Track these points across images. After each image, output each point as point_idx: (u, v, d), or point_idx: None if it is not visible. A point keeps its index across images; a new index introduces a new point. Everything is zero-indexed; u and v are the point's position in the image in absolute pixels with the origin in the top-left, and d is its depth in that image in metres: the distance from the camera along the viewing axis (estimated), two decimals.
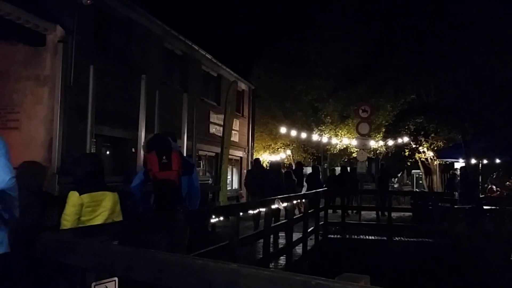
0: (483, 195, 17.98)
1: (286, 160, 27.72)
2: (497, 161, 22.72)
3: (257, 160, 14.87)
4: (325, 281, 1.57)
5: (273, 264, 7.68)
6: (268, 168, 14.44)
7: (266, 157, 26.39)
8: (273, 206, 7.18)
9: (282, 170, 13.24)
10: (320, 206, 11.40)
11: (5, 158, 3.13)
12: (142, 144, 6.10)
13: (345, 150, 22.84)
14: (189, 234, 5.45)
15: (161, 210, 5.39)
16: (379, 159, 22.43)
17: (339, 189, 16.55)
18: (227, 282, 1.73)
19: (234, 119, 16.81)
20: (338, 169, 21.38)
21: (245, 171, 19.19)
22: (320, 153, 25.62)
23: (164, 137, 5.89)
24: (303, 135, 21.44)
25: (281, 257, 8.31)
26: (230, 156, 14.48)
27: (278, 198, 7.98)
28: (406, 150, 23.02)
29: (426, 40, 19.04)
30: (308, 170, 19.13)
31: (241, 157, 20.91)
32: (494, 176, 21.74)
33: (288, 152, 26.54)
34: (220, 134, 15.06)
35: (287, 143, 25.54)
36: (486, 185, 20.20)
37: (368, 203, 17.83)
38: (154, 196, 5.66)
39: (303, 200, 10.20)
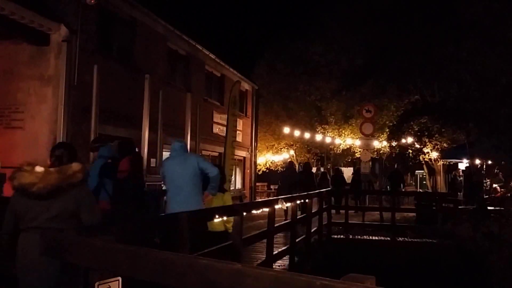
0: (487, 196, 17.91)
1: (289, 160, 27.73)
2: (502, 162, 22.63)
3: (291, 162, 16.36)
4: (330, 281, 1.56)
5: (276, 264, 7.66)
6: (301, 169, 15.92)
7: (270, 157, 26.40)
8: (277, 207, 7.17)
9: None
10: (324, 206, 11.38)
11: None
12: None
13: (349, 150, 22.82)
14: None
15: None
16: (382, 159, 22.41)
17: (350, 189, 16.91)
18: (231, 282, 1.72)
19: (238, 119, 16.82)
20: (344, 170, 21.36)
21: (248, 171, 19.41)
22: (323, 153, 25.59)
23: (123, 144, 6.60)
24: (307, 135, 21.43)
25: (284, 257, 8.29)
26: (234, 156, 14.47)
27: (282, 198, 7.97)
28: (410, 151, 22.98)
29: (430, 40, 18.99)
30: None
31: (244, 157, 20.90)
32: (499, 175, 21.65)
33: (292, 152, 26.53)
34: (223, 134, 15.06)
35: (291, 143, 25.53)
36: (485, 185, 20.12)
37: (372, 204, 17.85)
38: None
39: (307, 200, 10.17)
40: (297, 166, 27.30)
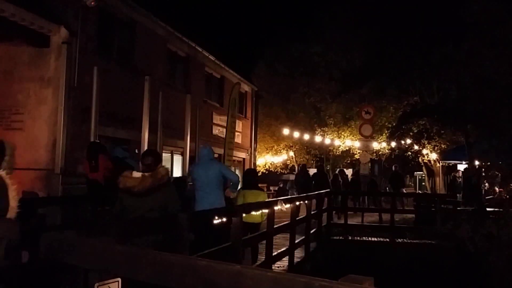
0: (487, 197, 17.92)
1: (288, 161, 27.71)
2: (500, 163, 22.63)
3: (304, 165, 17.73)
4: (329, 282, 1.58)
5: (275, 265, 7.66)
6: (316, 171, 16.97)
7: (269, 159, 26.39)
8: (276, 208, 7.18)
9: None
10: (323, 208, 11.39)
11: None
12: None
13: (348, 152, 22.82)
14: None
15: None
16: (381, 161, 22.43)
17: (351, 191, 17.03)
18: (231, 283, 1.73)
19: (237, 121, 16.83)
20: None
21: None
22: (323, 155, 25.59)
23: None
24: (306, 136, 21.43)
25: (284, 259, 8.30)
26: (233, 157, 14.52)
27: (281, 199, 7.98)
28: (409, 152, 22.99)
29: (429, 42, 19.03)
30: (311, 171, 19.47)
31: (244, 158, 20.89)
32: (498, 176, 21.68)
33: (291, 153, 26.52)
34: (223, 136, 15.07)
35: (290, 144, 25.52)
36: (483, 186, 20.11)
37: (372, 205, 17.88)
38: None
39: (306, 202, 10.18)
40: (296, 167, 27.36)
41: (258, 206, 7.00)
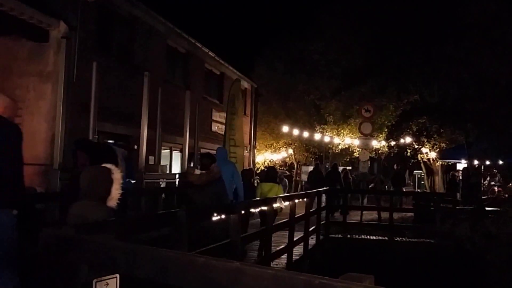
0: (485, 196, 17.94)
1: (288, 159, 27.70)
2: (500, 162, 22.67)
3: (317, 164, 20.35)
4: (329, 280, 1.56)
5: (273, 263, 7.65)
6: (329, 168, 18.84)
7: (268, 156, 26.37)
8: (275, 205, 7.16)
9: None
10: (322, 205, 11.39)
11: None
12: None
13: (347, 150, 22.81)
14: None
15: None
16: (381, 159, 22.43)
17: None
18: (230, 280, 1.71)
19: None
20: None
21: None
22: (322, 153, 25.57)
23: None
24: (305, 134, 21.41)
25: (282, 256, 8.29)
26: (232, 155, 14.48)
27: (280, 197, 7.96)
28: (409, 151, 22.99)
29: (429, 40, 19.00)
30: (310, 169, 19.73)
31: (243, 156, 20.88)
32: (497, 175, 21.75)
33: (290, 151, 26.51)
34: (223, 132, 15.03)
35: (289, 142, 25.49)
36: (485, 182, 20.18)
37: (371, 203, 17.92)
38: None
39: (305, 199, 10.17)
40: (295, 165, 27.35)
41: (257, 203, 6.99)
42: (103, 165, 3.54)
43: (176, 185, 10.16)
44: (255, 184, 10.37)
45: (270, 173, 9.94)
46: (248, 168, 16.30)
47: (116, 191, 3.39)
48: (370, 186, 18.26)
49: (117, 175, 3.45)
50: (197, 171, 6.62)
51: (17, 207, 3.71)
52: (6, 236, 3.57)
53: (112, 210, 3.39)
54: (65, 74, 8.90)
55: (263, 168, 26.30)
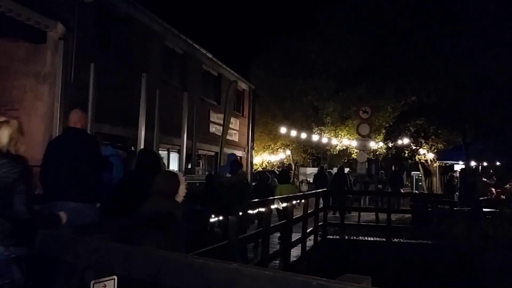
0: (483, 198, 17.96)
1: (285, 160, 27.72)
2: (497, 163, 22.71)
3: (322, 167, 20.23)
4: (326, 281, 1.56)
5: (271, 264, 7.65)
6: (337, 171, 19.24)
7: (266, 157, 26.39)
8: (273, 207, 7.17)
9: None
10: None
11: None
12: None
13: (345, 151, 22.83)
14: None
15: None
16: (378, 160, 22.46)
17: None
18: (227, 282, 1.71)
19: (234, 119, 16.81)
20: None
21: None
22: (319, 154, 25.59)
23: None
24: (303, 135, 21.42)
25: (279, 257, 8.29)
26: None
27: (278, 198, 7.97)
28: (406, 152, 23.01)
29: (427, 41, 19.02)
30: (308, 170, 19.82)
31: (240, 157, 20.88)
32: (492, 177, 21.77)
33: (288, 152, 26.52)
34: (220, 134, 15.05)
35: (287, 143, 25.51)
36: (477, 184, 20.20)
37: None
38: None
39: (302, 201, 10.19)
40: (293, 166, 27.38)
41: (254, 205, 7.00)
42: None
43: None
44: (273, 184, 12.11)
45: (285, 175, 11.48)
46: (263, 171, 17.53)
47: (182, 190, 4.19)
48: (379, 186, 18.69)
49: (182, 178, 4.35)
50: (228, 174, 8.53)
51: (99, 201, 4.82)
52: None
53: (180, 204, 4.25)
54: (62, 75, 8.88)
55: (260, 170, 26.34)
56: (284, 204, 8.11)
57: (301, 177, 26.35)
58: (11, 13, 7.79)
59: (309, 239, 10.12)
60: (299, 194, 10.42)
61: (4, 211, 3.24)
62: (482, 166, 22.23)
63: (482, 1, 16.71)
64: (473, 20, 16.88)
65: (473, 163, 21.15)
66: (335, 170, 21.48)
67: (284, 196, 8.95)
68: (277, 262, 8.09)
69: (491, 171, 22.03)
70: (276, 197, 8.70)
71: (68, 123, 5.09)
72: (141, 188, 4.39)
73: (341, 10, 22.11)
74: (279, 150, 26.32)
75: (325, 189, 14.07)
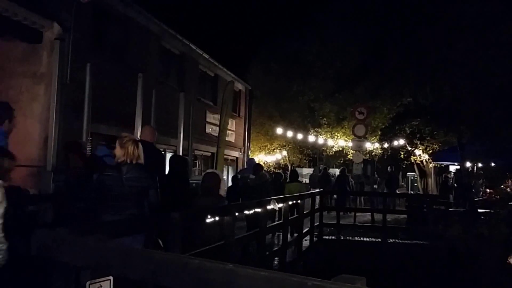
0: (478, 198, 18.03)
1: (282, 161, 27.71)
2: (492, 164, 22.80)
3: (326, 168, 21.72)
4: (321, 282, 1.57)
5: (266, 265, 7.66)
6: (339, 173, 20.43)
7: (262, 158, 26.38)
8: (269, 207, 7.17)
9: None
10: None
11: None
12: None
13: (341, 152, 22.86)
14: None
15: None
16: (374, 161, 22.50)
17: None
18: (223, 282, 1.72)
19: (230, 119, 16.81)
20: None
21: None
22: (316, 155, 25.61)
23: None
24: (299, 136, 21.43)
25: (275, 258, 8.30)
26: (225, 156, 14.52)
27: (274, 199, 7.98)
28: (402, 153, 23.06)
29: (423, 42, 19.06)
30: (304, 171, 20.00)
31: (237, 157, 20.89)
32: (482, 181, 21.96)
33: (284, 153, 26.52)
34: (217, 134, 15.04)
35: (283, 144, 25.50)
36: (472, 185, 20.28)
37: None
38: None
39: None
40: (289, 166, 27.38)
41: (251, 205, 7.00)
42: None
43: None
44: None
45: (294, 174, 12.39)
46: (278, 171, 18.80)
47: (223, 187, 5.15)
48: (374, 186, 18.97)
49: (221, 175, 5.34)
50: (252, 176, 9.79)
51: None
52: None
53: (224, 198, 5.14)
54: (58, 75, 8.87)
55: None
56: (281, 205, 8.12)
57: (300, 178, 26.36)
58: (7, 13, 7.78)
59: (305, 240, 10.13)
60: (296, 194, 10.39)
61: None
62: (478, 167, 22.31)
63: (478, 2, 16.76)
64: (470, 22, 16.93)
65: (468, 164, 21.23)
66: (331, 171, 21.66)
67: (281, 196, 8.97)
68: (273, 262, 8.10)
69: (481, 172, 22.15)
70: (271, 197, 8.72)
71: (140, 136, 5.95)
72: (173, 192, 5.29)
73: (339, 12, 22.15)
74: (275, 150, 26.31)
75: (329, 189, 15.89)
